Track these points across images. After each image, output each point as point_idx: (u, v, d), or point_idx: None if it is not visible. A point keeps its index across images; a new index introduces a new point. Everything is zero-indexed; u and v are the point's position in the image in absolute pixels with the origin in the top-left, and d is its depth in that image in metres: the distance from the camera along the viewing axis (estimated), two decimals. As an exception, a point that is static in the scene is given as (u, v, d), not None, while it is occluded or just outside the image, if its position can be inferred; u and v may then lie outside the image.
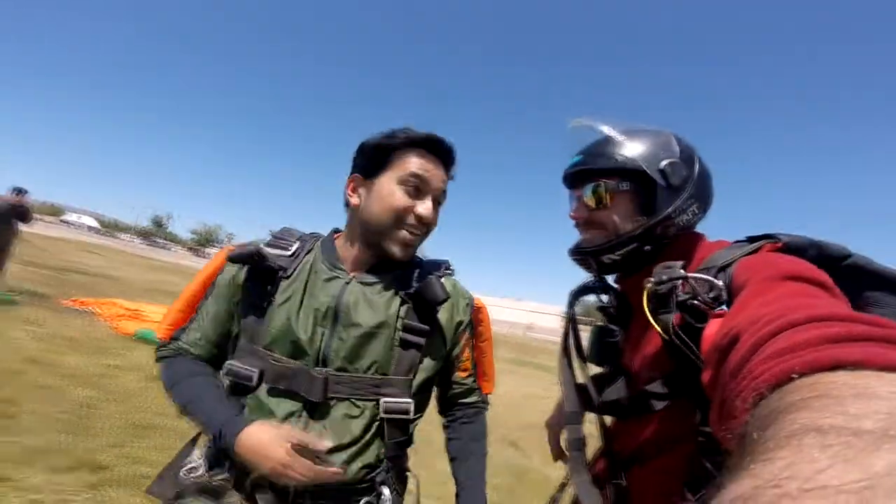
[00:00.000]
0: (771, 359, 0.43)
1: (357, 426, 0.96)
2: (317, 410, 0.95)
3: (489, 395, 1.25)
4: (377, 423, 0.98)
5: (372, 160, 1.03)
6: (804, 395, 0.35)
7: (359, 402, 0.97)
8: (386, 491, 0.99)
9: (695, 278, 0.76)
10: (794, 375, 0.39)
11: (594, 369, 1.09)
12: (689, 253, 0.92)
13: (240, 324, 1.02)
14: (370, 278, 1.04)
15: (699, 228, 1.01)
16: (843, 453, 0.26)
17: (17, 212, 7.75)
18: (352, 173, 1.07)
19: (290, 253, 1.04)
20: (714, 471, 0.72)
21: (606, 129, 0.99)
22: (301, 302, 1.00)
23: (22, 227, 7.99)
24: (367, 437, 0.97)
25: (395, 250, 1.02)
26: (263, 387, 0.97)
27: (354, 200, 1.05)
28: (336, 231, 1.13)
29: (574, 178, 1.05)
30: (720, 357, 0.52)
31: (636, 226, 0.95)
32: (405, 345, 1.01)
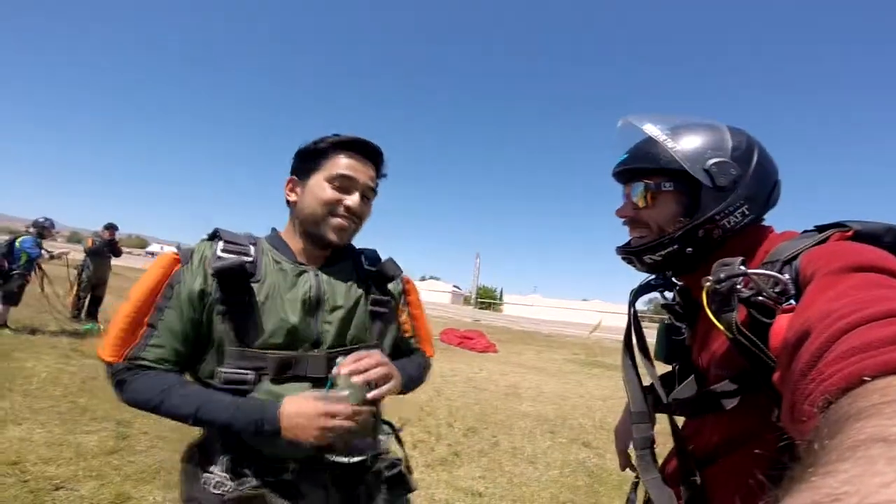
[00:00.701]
0: (842, 359, 0.41)
1: None
2: (323, 385, 1.03)
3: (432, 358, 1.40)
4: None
5: (305, 163, 1.15)
6: (875, 401, 0.33)
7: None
8: (383, 438, 1.18)
9: (756, 274, 0.72)
10: (865, 378, 0.37)
11: (661, 367, 1.07)
12: (753, 246, 0.89)
13: (218, 331, 1.02)
14: (332, 268, 1.17)
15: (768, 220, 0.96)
16: None
17: (111, 247, 8.68)
18: (290, 175, 1.19)
19: (252, 258, 1.09)
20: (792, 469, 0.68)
21: (649, 129, 0.95)
22: (282, 297, 1.07)
23: (114, 260, 8.89)
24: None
25: (332, 236, 1.12)
26: (264, 381, 1.02)
27: (292, 198, 1.17)
28: (275, 230, 1.23)
29: (621, 177, 1.04)
30: (790, 355, 0.50)
31: (678, 227, 0.92)
32: (374, 316, 1.19)
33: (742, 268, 0.75)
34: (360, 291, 1.18)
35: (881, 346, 0.39)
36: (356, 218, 1.15)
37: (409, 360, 1.28)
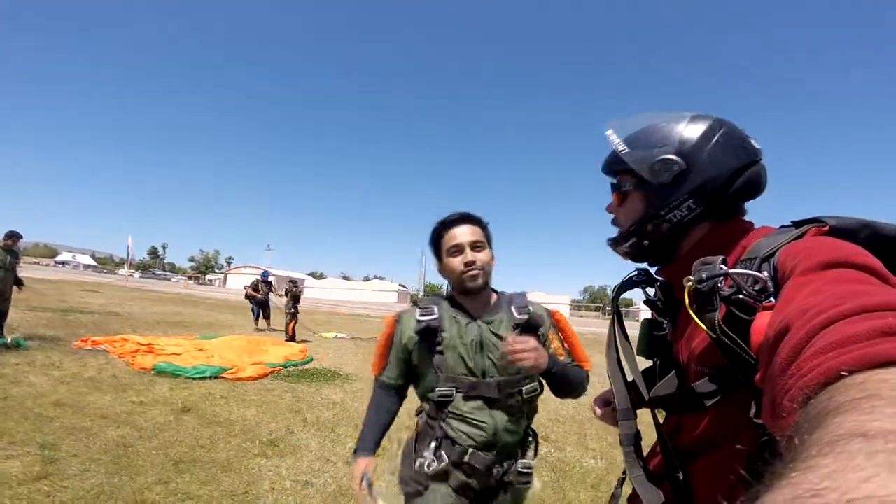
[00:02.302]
0: (820, 354, 0.41)
1: (516, 405, 1.55)
2: (494, 403, 1.51)
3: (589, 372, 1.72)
4: (524, 401, 1.57)
5: (436, 248, 1.64)
6: (853, 396, 0.33)
7: (514, 391, 1.54)
8: (531, 450, 1.63)
9: (737, 274, 0.73)
10: (843, 373, 0.37)
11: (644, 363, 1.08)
12: (731, 241, 0.89)
13: (423, 364, 1.56)
14: (489, 317, 1.59)
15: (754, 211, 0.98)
16: (890, 461, 0.24)
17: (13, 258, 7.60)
18: (435, 259, 1.67)
19: (436, 315, 1.56)
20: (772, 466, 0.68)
21: (608, 134, 0.99)
22: (459, 342, 1.53)
23: (21, 272, 7.86)
24: (521, 410, 1.57)
25: (470, 286, 1.55)
26: (459, 395, 1.51)
27: (445, 276, 1.64)
28: (450, 291, 1.69)
29: (607, 175, 1.08)
30: (770, 352, 0.50)
31: (633, 222, 0.98)
32: None
33: (723, 267, 0.76)
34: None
35: (858, 340, 0.39)
36: (475, 265, 1.54)
37: (573, 367, 1.65)
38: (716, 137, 0.90)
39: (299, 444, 4.04)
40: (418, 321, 1.56)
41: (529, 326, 1.60)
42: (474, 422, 1.49)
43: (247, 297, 14.12)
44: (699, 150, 0.89)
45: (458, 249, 1.55)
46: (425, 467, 1.48)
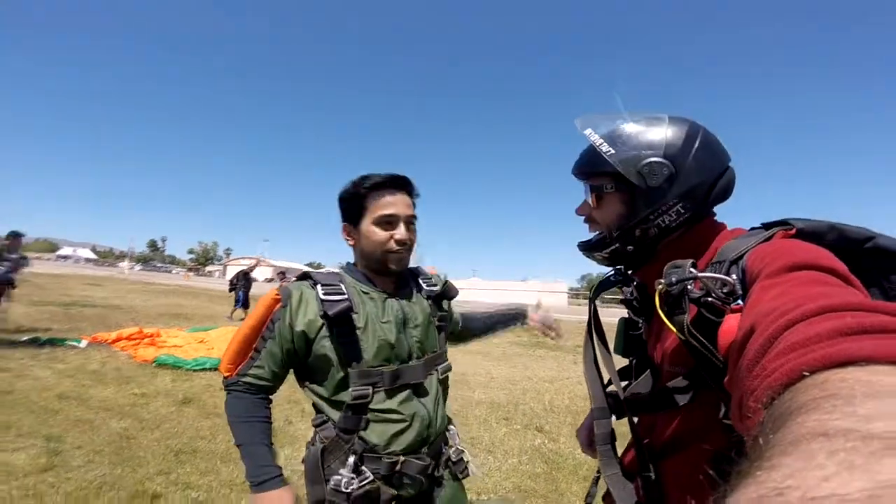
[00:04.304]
0: (783, 355, 0.42)
1: (435, 389, 1.39)
2: (419, 390, 1.34)
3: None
4: (442, 382, 1.44)
5: (352, 209, 1.35)
6: (814, 395, 0.34)
7: (432, 373, 1.39)
8: (453, 428, 1.49)
9: (706, 277, 0.74)
10: (805, 373, 0.38)
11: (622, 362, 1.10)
12: (703, 243, 0.91)
13: (329, 357, 1.27)
14: (404, 291, 1.43)
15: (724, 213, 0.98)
16: (849, 459, 0.25)
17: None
18: (343, 221, 1.40)
19: (346, 294, 1.29)
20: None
21: (588, 133, 0.96)
22: (378, 321, 1.31)
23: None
24: (440, 393, 1.41)
25: (393, 266, 1.35)
26: (379, 392, 1.27)
27: (351, 242, 1.41)
28: (350, 264, 1.46)
29: (578, 176, 1.06)
30: (737, 354, 0.52)
31: (618, 227, 0.96)
32: (439, 329, 1.47)
33: (693, 271, 0.76)
34: (427, 310, 1.44)
35: (819, 340, 0.40)
36: (406, 245, 1.35)
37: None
38: (699, 143, 0.90)
39: (297, 434, 4.12)
40: (323, 301, 1.25)
41: (443, 295, 1.50)
42: (401, 419, 1.27)
43: (232, 286, 14.21)
44: (685, 154, 0.89)
45: (390, 221, 1.32)
46: (342, 487, 1.21)
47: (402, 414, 1.28)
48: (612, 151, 0.92)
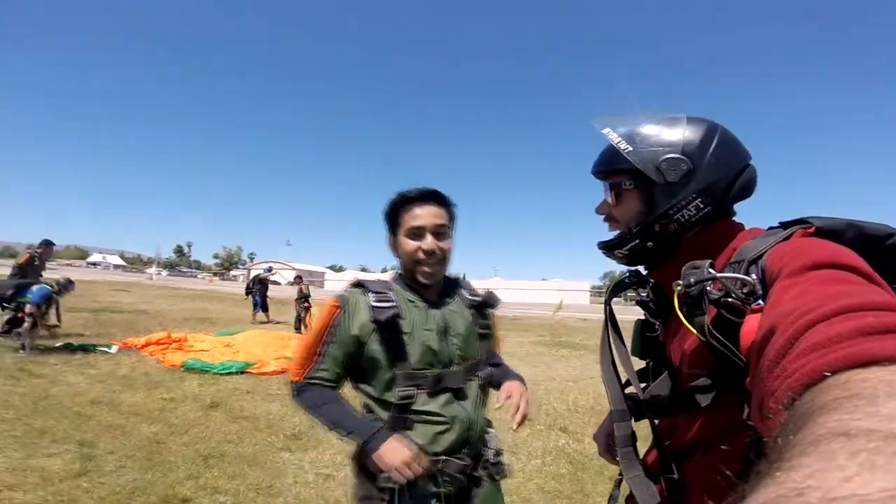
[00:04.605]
0: (804, 355, 0.42)
1: (475, 394, 1.45)
2: (459, 394, 1.40)
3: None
4: (482, 388, 1.49)
5: (391, 222, 1.46)
6: (836, 395, 0.34)
7: (472, 379, 1.45)
8: (492, 431, 1.52)
9: (724, 278, 0.73)
10: (826, 373, 0.37)
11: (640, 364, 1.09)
12: (720, 243, 0.90)
13: (378, 359, 1.36)
14: (447, 301, 1.49)
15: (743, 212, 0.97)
16: (871, 460, 0.24)
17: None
18: (388, 234, 1.49)
19: (395, 302, 1.38)
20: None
21: (607, 133, 0.98)
22: (422, 329, 1.39)
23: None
24: (480, 398, 1.47)
25: (423, 279, 1.42)
26: (423, 395, 1.36)
27: (395, 254, 1.48)
28: (399, 274, 1.52)
29: (598, 176, 1.07)
30: (758, 355, 0.51)
31: (638, 223, 0.96)
32: (480, 336, 1.52)
33: (711, 271, 0.76)
34: (470, 319, 1.50)
35: (841, 341, 0.40)
36: (435, 255, 1.40)
37: (514, 373, 1.64)
38: (718, 140, 0.91)
39: (321, 437, 4.16)
40: (374, 307, 1.35)
41: (484, 305, 1.55)
42: (442, 421, 1.35)
43: (248, 290, 14.82)
44: (703, 150, 0.90)
45: (418, 232, 1.39)
46: (390, 482, 1.28)
47: (443, 416, 1.35)
48: (631, 149, 0.93)
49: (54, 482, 2.94)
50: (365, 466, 1.35)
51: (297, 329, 11.69)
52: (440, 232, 1.41)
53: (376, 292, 1.39)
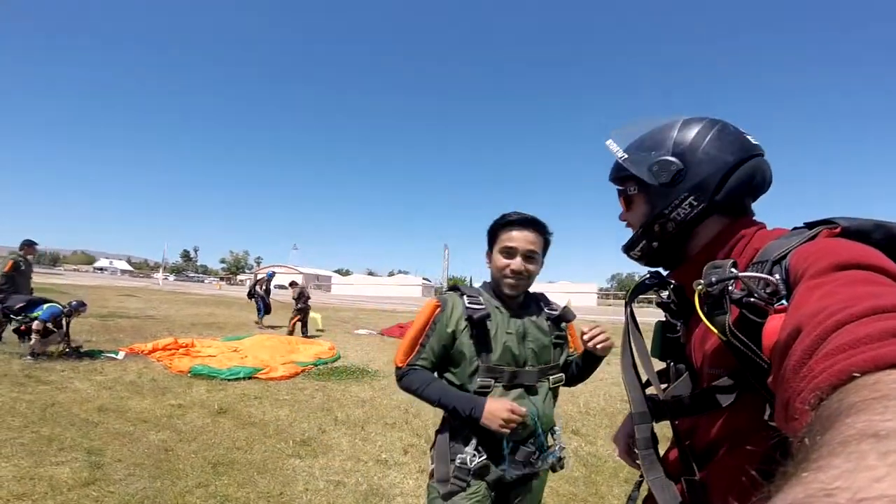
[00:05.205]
0: (831, 356, 0.41)
1: (545, 392, 1.63)
2: (531, 390, 1.59)
3: None
4: (552, 390, 1.66)
5: (490, 239, 1.69)
6: (865, 396, 0.33)
7: (544, 381, 1.63)
8: (558, 428, 1.70)
9: (747, 277, 0.73)
10: (855, 374, 0.37)
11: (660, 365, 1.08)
12: (740, 242, 0.90)
13: (468, 352, 1.57)
14: (527, 312, 1.69)
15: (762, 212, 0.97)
16: None
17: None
18: (487, 249, 1.71)
19: (484, 305, 1.61)
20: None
21: (609, 143, 1.03)
22: (505, 332, 1.60)
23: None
24: (549, 397, 1.64)
25: (507, 291, 1.64)
26: (499, 387, 1.55)
27: (489, 265, 1.70)
28: (486, 283, 1.76)
29: (613, 183, 1.12)
30: (782, 355, 0.50)
31: (640, 225, 1.01)
32: (555, 345, 1.70)
33: (734, 270, 0.77)
34: (546, 328, 1.69)
35: (870, 342, 0.39)
36: (521, 275, 1.61)
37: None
38: (709, 136, 0.92)
39: (331, 443, 4.12)
40: (468, 307, 1.59)
41: (561, 318, 1.74)
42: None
43: (250, 295, 14.66)
44: (694, 149, 0.92)
45: (509, 252, 1.60)
46: (468, 463, 1.50)
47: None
48: (626, 156, 0.99)
49: (63, 491, 2.91)
50: (445, 451, 1.56)
51: (291, 333, 11.33)
52: (530, 255, 1.61)
53: (470, 296, 1.64)
